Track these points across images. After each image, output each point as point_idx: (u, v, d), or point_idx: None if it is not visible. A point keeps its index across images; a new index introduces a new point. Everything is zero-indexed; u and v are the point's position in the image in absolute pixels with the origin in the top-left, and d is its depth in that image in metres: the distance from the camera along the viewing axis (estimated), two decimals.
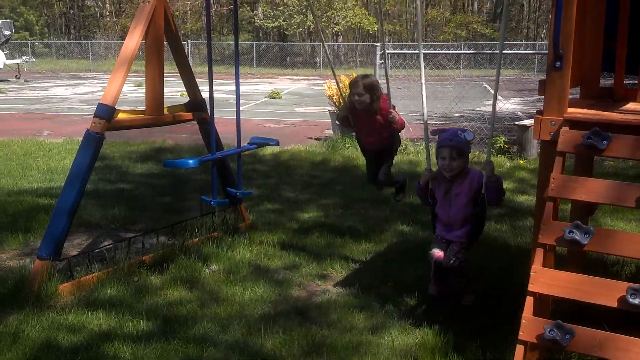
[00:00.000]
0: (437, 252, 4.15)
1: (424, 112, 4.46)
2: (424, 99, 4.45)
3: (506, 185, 7.91)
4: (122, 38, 41.62)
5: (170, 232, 5.58)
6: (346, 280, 4.78)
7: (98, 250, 5.12)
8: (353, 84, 4.70)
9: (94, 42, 41.57)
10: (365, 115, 4.77)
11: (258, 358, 3.57)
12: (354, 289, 4.54)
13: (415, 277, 4.75)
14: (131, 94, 19.98)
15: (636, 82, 4.41)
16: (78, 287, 4.49)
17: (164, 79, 5.18)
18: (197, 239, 5.44)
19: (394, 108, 4.73)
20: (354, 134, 5.16)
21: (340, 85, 12.36)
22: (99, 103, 4.58)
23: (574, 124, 3.54)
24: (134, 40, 4.71)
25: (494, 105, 4.23)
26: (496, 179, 4.08)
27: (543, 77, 3.74)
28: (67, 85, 26.27)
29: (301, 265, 5.03)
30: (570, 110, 3.64)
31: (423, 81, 4.40)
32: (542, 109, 3.71)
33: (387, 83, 4.71)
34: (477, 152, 10.03)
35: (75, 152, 4.79)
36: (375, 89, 4.69)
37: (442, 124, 12.91)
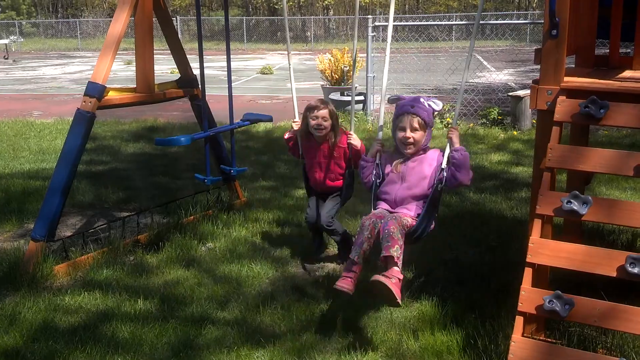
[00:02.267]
0: (373, 214, 3.50)
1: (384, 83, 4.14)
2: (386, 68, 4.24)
3: (501, 156, 7.94)
4: (111, 16, 41.12)
5: (165, 211, 5.55)
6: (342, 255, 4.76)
7: (92, 230, 5.09)
8: (313, 107, 4.26)
9: (82, 21, 41.10)
10: (319, 146, 4.35)
11: (257, 334, 3.56)
12: None
13: (411, 250, 4.73)
14: (121, 72, 19.79)
15: (630, 50, 4.37)
16: (74, 267, 4.47)
17: (154, 56, 5.11)
18: (192, 217, 5.42)
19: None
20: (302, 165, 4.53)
21: (332, 58, 12.26)
22: (88, 81, 4.51)
23: (570, 92, 3.50)
24: (120, 21, 4.61)
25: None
26: (462, 151, 3.51)
27: (536, 47, 3.69)
28: (56, 65, 26.00)
29: (297, 242, 5.01)
30: (566, 79, 3.60)
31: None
32: (538, 78, 3.67)
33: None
34: (472, 124, 10.02)
35: (66, 132, 4.73)
36: (336, 116, 4.33)
37: (435, 96, 12.85)
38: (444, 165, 3.50)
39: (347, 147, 4.28)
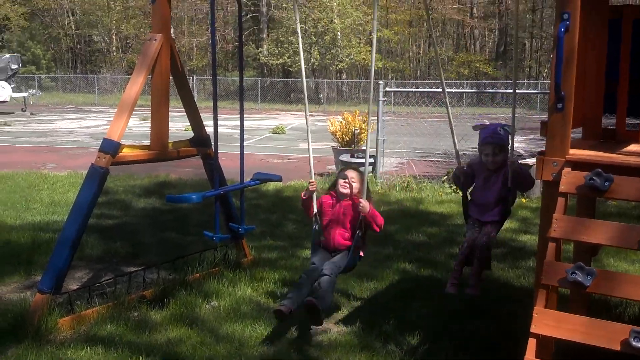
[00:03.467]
0: (469, 237, 4.44)
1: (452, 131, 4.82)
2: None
3: (509, 224, 7.94)
4: (128, 73, 41.99)
5: (172, 267, 5.56)
6: (348, 318, 4.74)
7: (99, 284, 5.11)
8: (344, 173, 4.68)
9: (100, 77, 42.00)
10: (339, 204, 4.61)
11: None
12: (356, 328, 4.50)
13: (417, 316, 4.73)
14: (136, 127, 20.12)
15: (638, 122, 4.45)
16: (78, 321, 4.47)
17: (169, 114, 5.23)
18: (198, 274, 5.43)
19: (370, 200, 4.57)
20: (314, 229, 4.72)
21: (343, 121, 12.45)
22: (104, 138, 4.62)
23: (576, 165, 3.55)
24: (137, 83, 4.76)
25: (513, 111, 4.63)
26: (520, 171, 4.41)
27: (545, 117, 3.77)
28: (72, 119, 26.48)
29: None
30: (572, 151, 3.66)
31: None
32: (544, 149, 3.73)
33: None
34: None
35: (79, 185, 4.82)
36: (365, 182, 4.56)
37: (444, 161, 12.96)
38: (509, 184, 4.42)
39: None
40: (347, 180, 4.61)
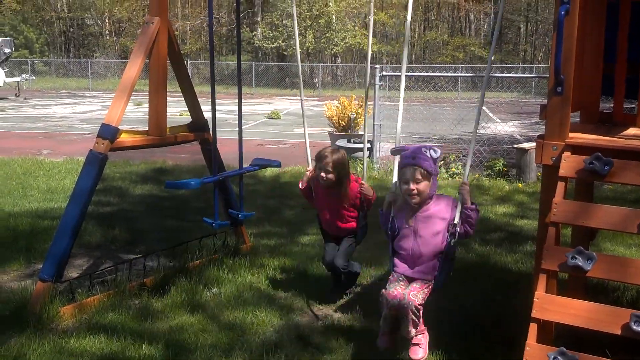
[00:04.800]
0: (393, 292, 3.58)
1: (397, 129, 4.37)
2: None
3: (506, 208, 7.97)
4: (122, 57, 41.72)
5: (171, 254, 5.57)
6: (348, 304, 4.76)
7: (99, 272, 5.11)
8: (320, 157, 4.42)
9: (93, 61, 41.71)
10: (328, 191, 4.52)
11: None
12: (356, 314, 4.53)
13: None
14: (131, 113, 20.02)
15: (634, 106, 4.45)
16: (80, 309, 4.48)
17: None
18: (198, 261, 5.44)
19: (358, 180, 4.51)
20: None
21: (339, 106, 12.41)
22: (102, 123, 4.60)
23: (575, 149, 3.56)
24: (136, 65, 4.74)
25: (476, 123, 3.99)
26: (474, 207, 3.66)
27: (541, 100, 3.77)
28: (66, 104, 26.33)
29: (302, 289, 5.02)
30: (571, 135, 3.67)
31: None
32: (543, 133, 3.74)
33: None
34: (477, 175, 10.08)
35: (75, 171, 4.82)
36: (344, 166, 4.43)
37: (440, 146, 12.97)
38: (456, 221, 3.64)
39: (358, 194, 4.49)
40: (323, 176, 4.41)
